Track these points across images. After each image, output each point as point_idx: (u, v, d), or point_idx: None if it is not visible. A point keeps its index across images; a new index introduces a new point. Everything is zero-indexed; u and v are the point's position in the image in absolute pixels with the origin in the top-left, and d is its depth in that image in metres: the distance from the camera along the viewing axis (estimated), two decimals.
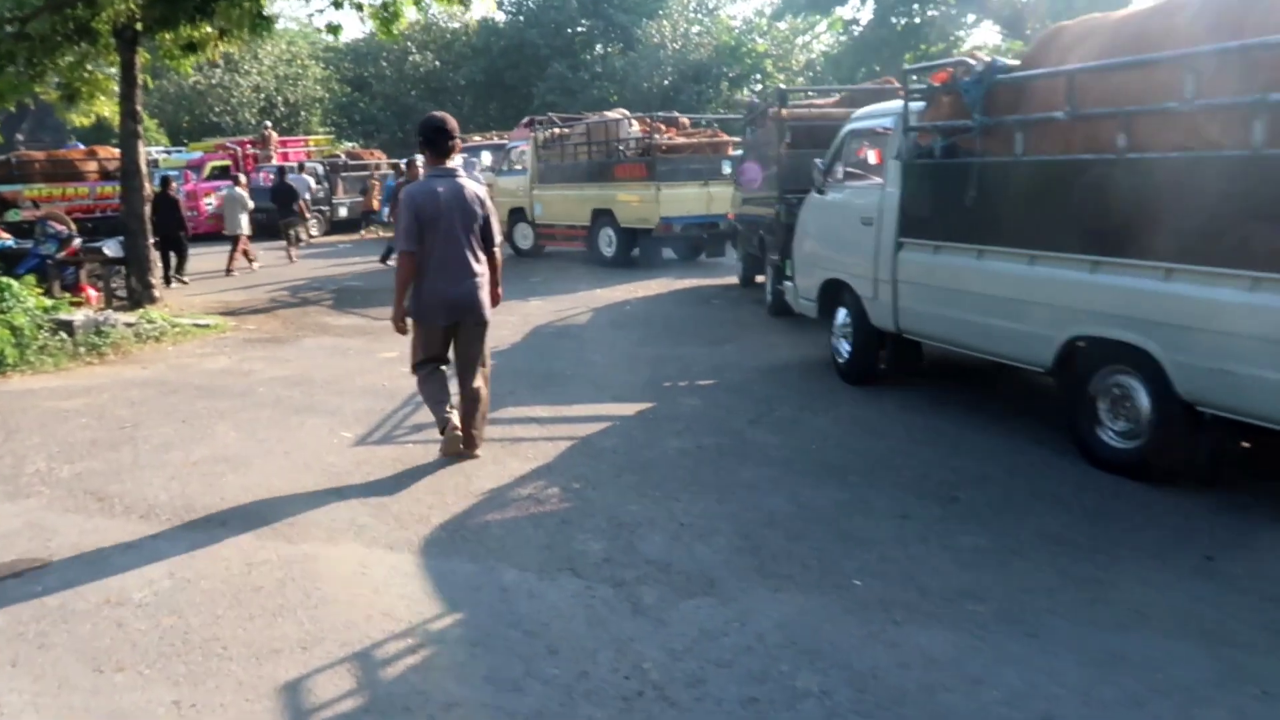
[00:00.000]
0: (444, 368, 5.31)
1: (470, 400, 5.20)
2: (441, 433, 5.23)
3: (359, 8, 11.38)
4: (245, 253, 15.80)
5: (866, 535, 4.03)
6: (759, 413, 6.07)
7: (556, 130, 16.23)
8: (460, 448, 5.18)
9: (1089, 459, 4.81)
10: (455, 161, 5.20)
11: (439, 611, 3.43)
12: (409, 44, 37.75)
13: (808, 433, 5.63)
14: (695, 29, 36.24)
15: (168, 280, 13.34)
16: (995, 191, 5.17)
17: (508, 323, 9.84)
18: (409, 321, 5.14)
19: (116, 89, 11.89)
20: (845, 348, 6.75)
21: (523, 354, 8.27)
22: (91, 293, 11.46)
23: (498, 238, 5.29)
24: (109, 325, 8.93)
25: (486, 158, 20.05)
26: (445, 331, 5.14)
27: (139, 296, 11.29)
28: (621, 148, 14.76)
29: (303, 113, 39.34)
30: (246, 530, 4.26)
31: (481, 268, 5.11)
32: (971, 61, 5.39)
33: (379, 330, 9.53)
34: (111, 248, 11.84)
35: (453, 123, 5.13)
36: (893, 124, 6.18)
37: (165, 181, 14.22)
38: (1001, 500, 4.43)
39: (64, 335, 8.55)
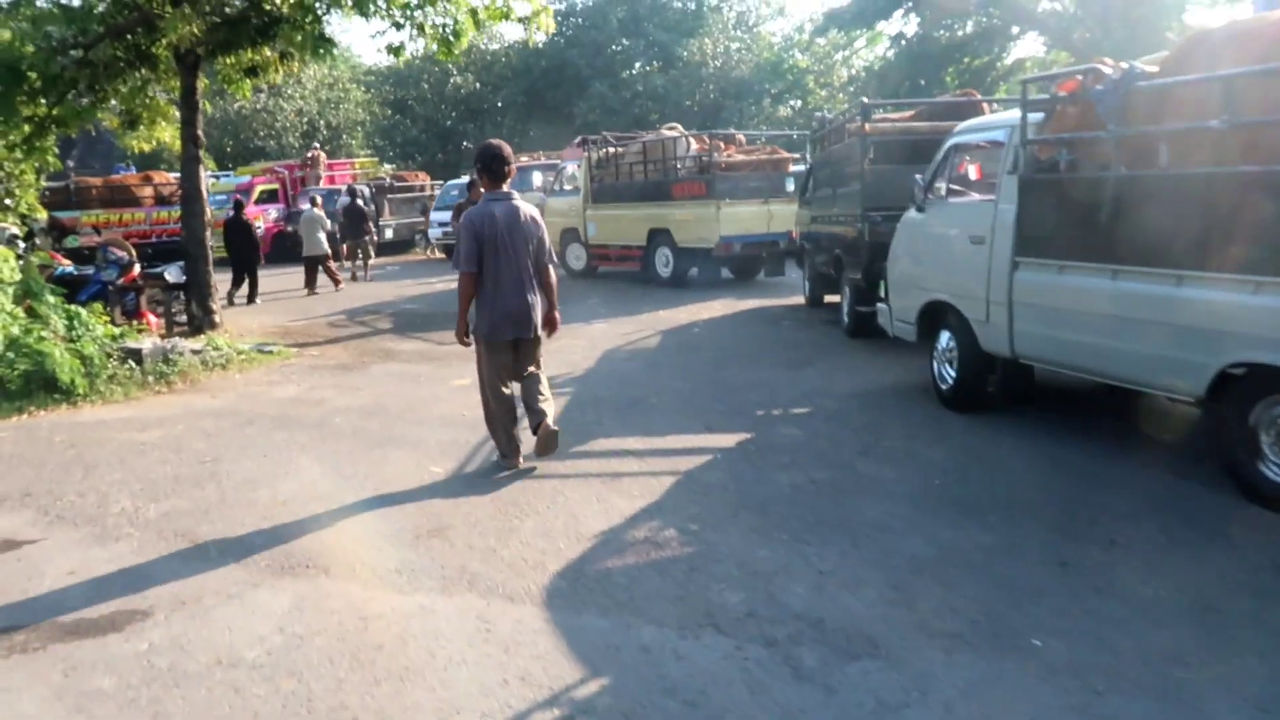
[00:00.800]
0: (510, 392, 5.51)
1: (531, 391, 5.48)
2: (505, 455, 5.48)
3: (420, 29, 11.27)
4: (330, 273, 16.16)
5: (1029, 584, 3.67)
6: (865, 444, 5.73)
7: (611, 149, 16.02)
8: (551, 444, 5.42)
9: (1248, 495, 4.42)
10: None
11: (580, 676, 3.12)
12: (450, 66, 37.90)
13: (924, 466, 5.28)
14: (735, 46, 36.03)
15: (231, 300, 13.82)
16: (1136, 207, 4.80)
17: (576, 347, 9.59)
18: (473, 339, 5.46)
19: (176, 114, 11.87)
20: (950, 373, 6.39)
21: (600, 380, 7.99)
22: (152, 319, 11.36)
23: (552, 258, 5.55)
24: (176, 353, 8.78)
25: (537, 178, 19.91)
26: (510, 347, 5.40)
27: (200, 322, 11.19)
28: (679, 166, 14.52)
29: (344, 135, 39.64)
30: (352, 579, 3.99)
31: (536, 287, 5.40)
32: (1104, 69, 5.05)
33: (446, 355, 9.32)
34: (173, 273, 11.76)
35: (508, 150, 5.44)
36: (1005, 136, 5.85)
37: (239, 205, 14.46)
38: (1165, 542, 4.06)
39: (132, 364, 8.41)
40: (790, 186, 13.34)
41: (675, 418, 6.55)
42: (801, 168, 14.92)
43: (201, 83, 11.79)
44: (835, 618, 3.45)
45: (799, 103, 35.86)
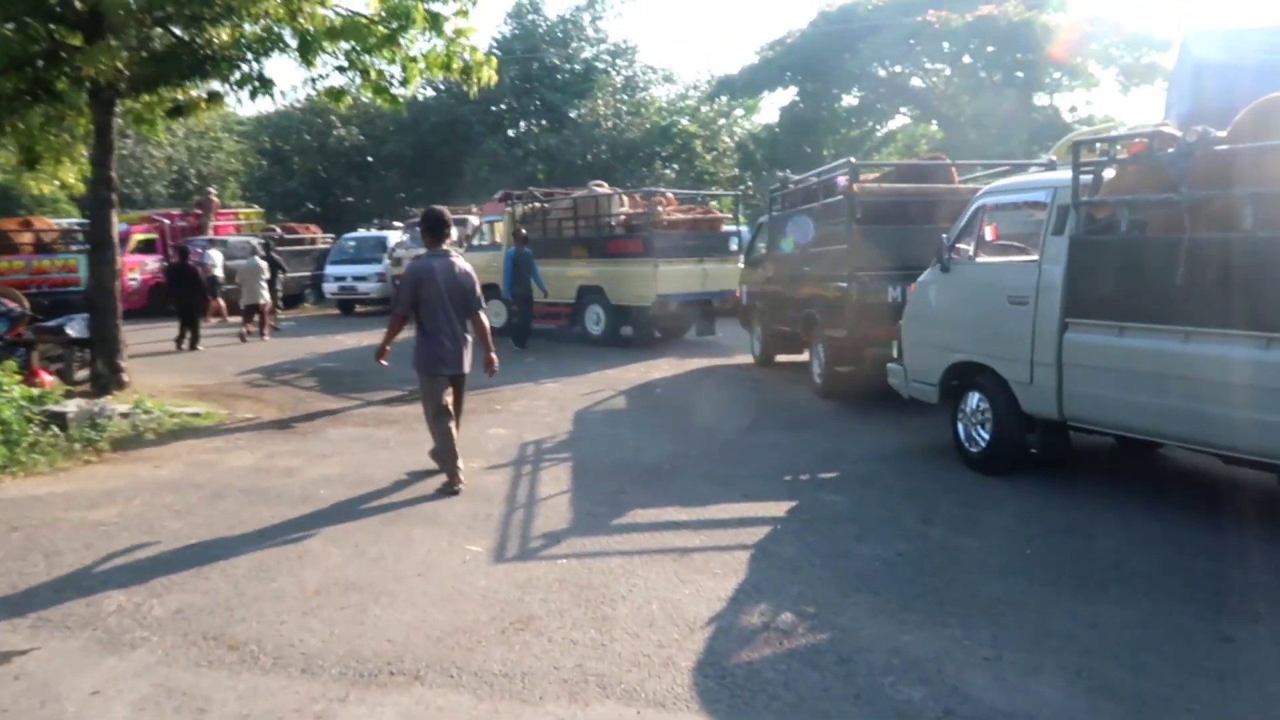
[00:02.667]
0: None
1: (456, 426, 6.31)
2: (451, 478, 6.11)
3: (365, 74, 10.67)
4: (264, 321, 16.36)
5: (1213, 665, 3.44)
6: (923, 511, 5.47)
7: (537, 204, 15.63)
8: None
9: None
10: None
11: None
12: (333, 118, 36.80)
13: (1000, 534, 5.06)
14: (625, 109, 36.45)
15: (179, 346, 14.49)
16: (1216, 269, 4.78)
17: (539, 408, 9.10)
18: (417, 373, 6.36)
19: (83, 153, 10.81)
20: (982, 435, 6.25)
21: (593, 444, 7.49)
22: (46, 377, 10.12)
23: (482, 305, 6.42)
24: (105, 417, 7.77)
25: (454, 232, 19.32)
26: (449, 382, 6.25)
27: (105, 381, 10.04)
28: (612, 223, 14.26)
29: (213, 185, 37.70)
30: (457, 688, 3.39)
31: (467, 331, 6.29)
32: (1174, 132, 5.07)
33: (403, 418, 8.64)
34: (75, 327, 10.55)
35: (449, 215, 6.55)
36: (1048, 197, 5.81)
37: (184, 252, 14.37)
38: None
39: (55, 430, 7.37)
40: (734, 245, 13.27)
41: (705, 485, 6.14)
42: (731, 228, 14.98)
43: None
44: (1040, 711, 3.11)
45: (673, 168, 36.42)
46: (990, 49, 26.24)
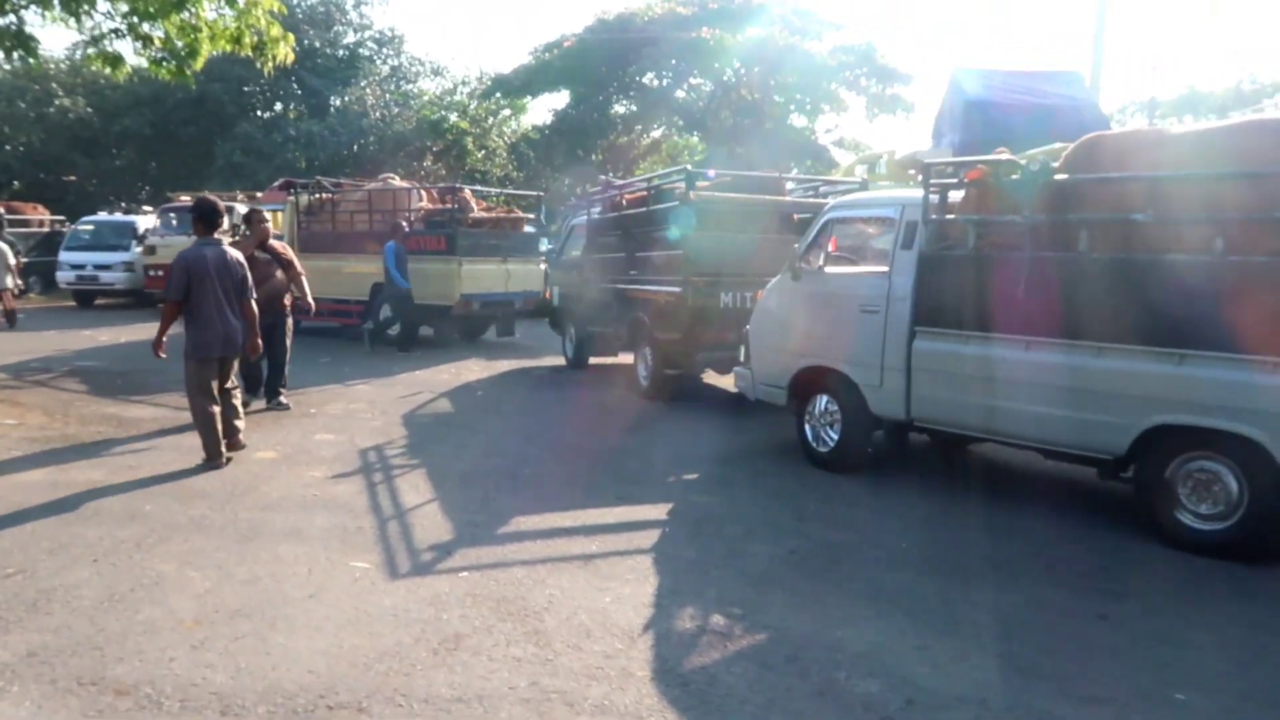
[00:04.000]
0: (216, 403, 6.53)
1: (228, 406, 6.71)
2: (212, 456, 6.46)
3: (145, 41, 9.60)
4: (9, 311, 15.02)
5: (1103, 641, 3.84)
6: (794, 510, 5.69)
7: (325, 195, 14.73)
8: (228, 454, 6.60)
9: (1169, 541, 5.00)
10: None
11: None
12: (54, 85, 32.77)
13: (871, 529, 5.37)
14: (395, 99, 35.20)
15: None
16: (1054, 284, 5.33)
17: (359, 411, 8.62)
18: (184, 357, 6.55)
19: None
20: (831, 436, 6.60)
21: (435, 450, 7.16)
22: None
23: (253, 293, 6.81)
24: None
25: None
26: (215, 363, 6.54)
27: None
28: (411, 218, 13.71)
29: None
30: (411, 716, 3.12)
31: (237, 315, 6.61)
32: (1019, 160, 5.60)
33: None
34: None
35: (221, 205, 7.00)
36: (896, 214, 6.24)
37: None
38: (1171, 589, 4.46)
39: None
40: (544, 246, 13.17)
41: (572, 490, 6.04)
42: (530, 229, 14.86)
43: None
44: (989, 695, 3.34)
45: (452, 162, 35.70)
46: (755, 69, 27.78)
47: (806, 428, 6.82)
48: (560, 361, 12.10)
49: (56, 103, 32.67)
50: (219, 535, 4.98)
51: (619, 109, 33.22)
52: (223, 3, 9.93)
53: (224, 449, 6.52)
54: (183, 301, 6.43)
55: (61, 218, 23.25)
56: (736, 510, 5.68)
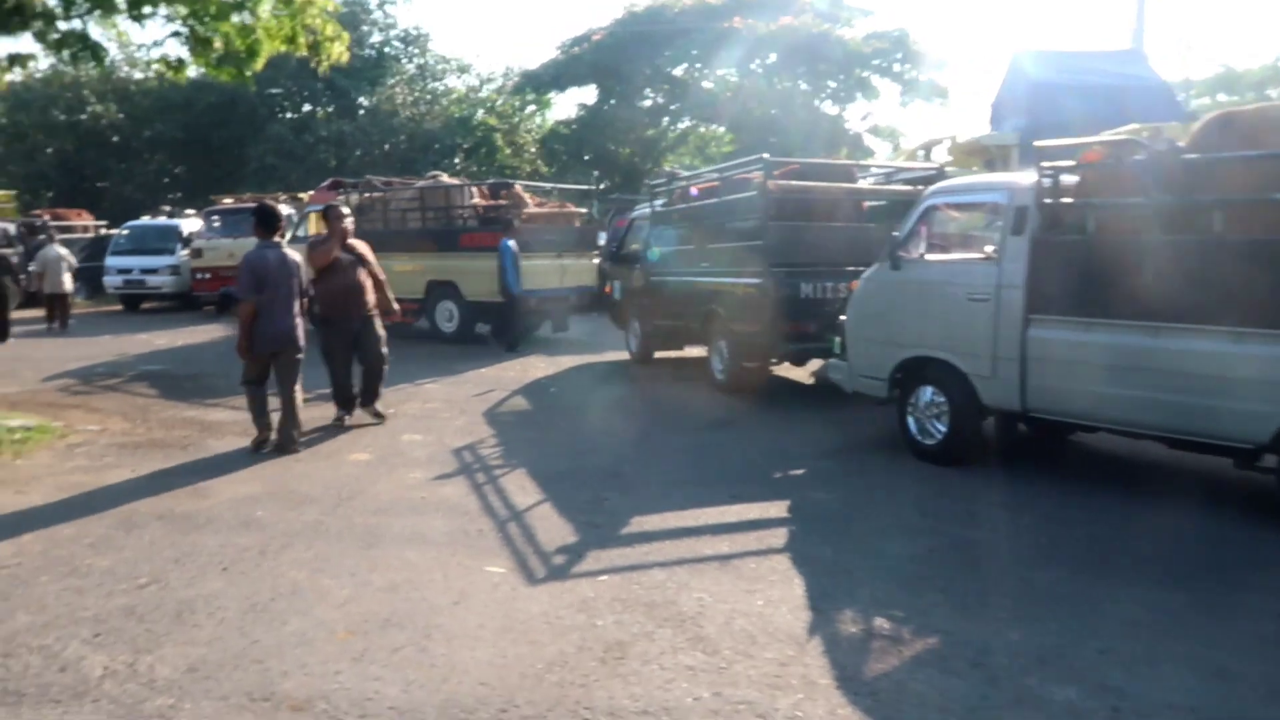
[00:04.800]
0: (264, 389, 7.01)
1: (288, 405, 6.95)
2: (262, 444, 6.92)
3: (205, 44, 9.51)
4: (65, 312, 15.83)
5: None
6: (916, 506, 5.53)
7: (376, 194, 14.65)
8: (275, 445, 6.91)
9: None
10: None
11: None
12: (86, 93, 32.95)
13: (1002, 526, 5.22)
14: (426, 98, 35.19)
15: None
16: (1190, 269, 5.13)
17: (435, 410, 8.53)
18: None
19: None
20: (938, 428, 6.43)
21: (528, 450, 7.03)
22: None
23: (310, 292, 7.43)
24: None
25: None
26: (270, 358, 6.97)
27: None
28: (463, 215, 13.63)
29: None
30: None
31: (297, 312, 7.05)
32: (1143, 140, 5.41)
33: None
34: None
35: (280, 211, 7.38)
36: (1006, 199, 6.06)
37: None
38: None
39: None
40: (602, 240, 13.04)
41: (681, 488, 5.90)
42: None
43: None
44: (1197, 702, 3.18)
45: (482, 159, 35.65)
46: (778, 57, 27.41)
47: (909, 420, 6.65)
48: (623, 356, 11.97)
49: (89, 109, 32.86)
50: (340, 541, 4.89)
51: (646, 102, 33.02)
52: (279, 3, 9.86)
53: (271, 436, 6.93)
54: (256, 301, 6.81)
55: (104, 223, 23.36)
56: (856, 507, 5.54)
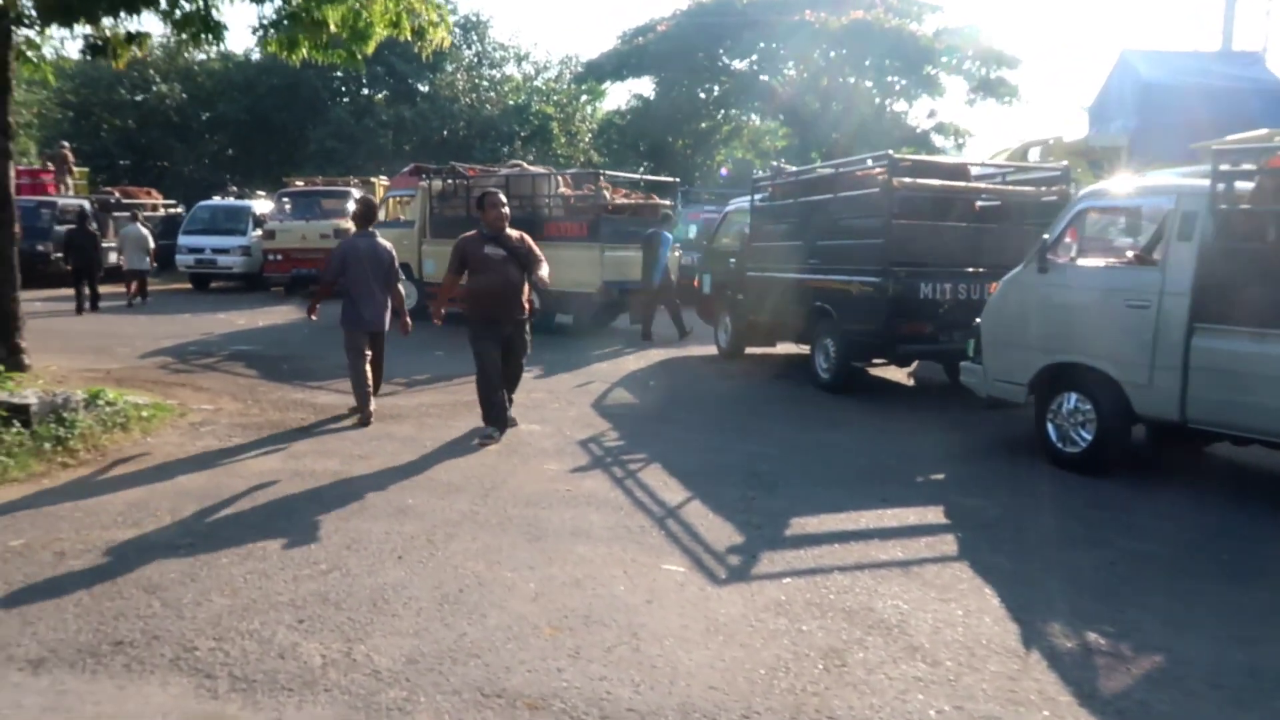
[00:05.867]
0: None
1: (377, 378, 7.73)
2: (362, 410, 7.42)
3: (319, 26, 9.48)
4: (142, 288, 16.54)
5: None
6: (1075, 515, 5.39)
7: (459, 181, 14.64)
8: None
9: None
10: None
11: None
12: (152, 73, 33.33)
13: (1173, 539, 5.05)
14: (484, 84, 35.23)
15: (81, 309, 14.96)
16: None
17: (545, 401, 8.44)
18: (345, 330, 7.54)
19: None
20: (1083, 436, 6.27)
21: (654, 444, 6.92)
22: None
23: (400, 276, 7.83)
24: (70, 410, 6.48)
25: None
26: (367, 337, 7.47)
27: (5, 364, 8.45)
28: (551, 204, 13.58)
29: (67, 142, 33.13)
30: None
31: (385, 297, 7.55)
32: None
33: (410, 412, 7.79)
34: None
35: (375, 203, 8.41)
36: (1171, 203, 5.87)
37: (83, 215, 15.29)
38: None
39: (18, 426, 6.07)
40: (693, 233, 12.93)
41: (826, 489, 5.81)
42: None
43: None
44: None
45: (539, 148, 35.66)
46: (843, 52, 27.03)
47: (1050, 426, 6.50)
48: (709, 350, 11.87)
49: (154, 89, 33.24)
50: (502, 532, 4.84)
51: (704, 94, 32.78)
52: None
53: (371, 409, 7.41)
54: (335, 283, 7.51)
55: (174, 202, 23.62)
56: (1015, 515, 5.40)
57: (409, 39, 10.23)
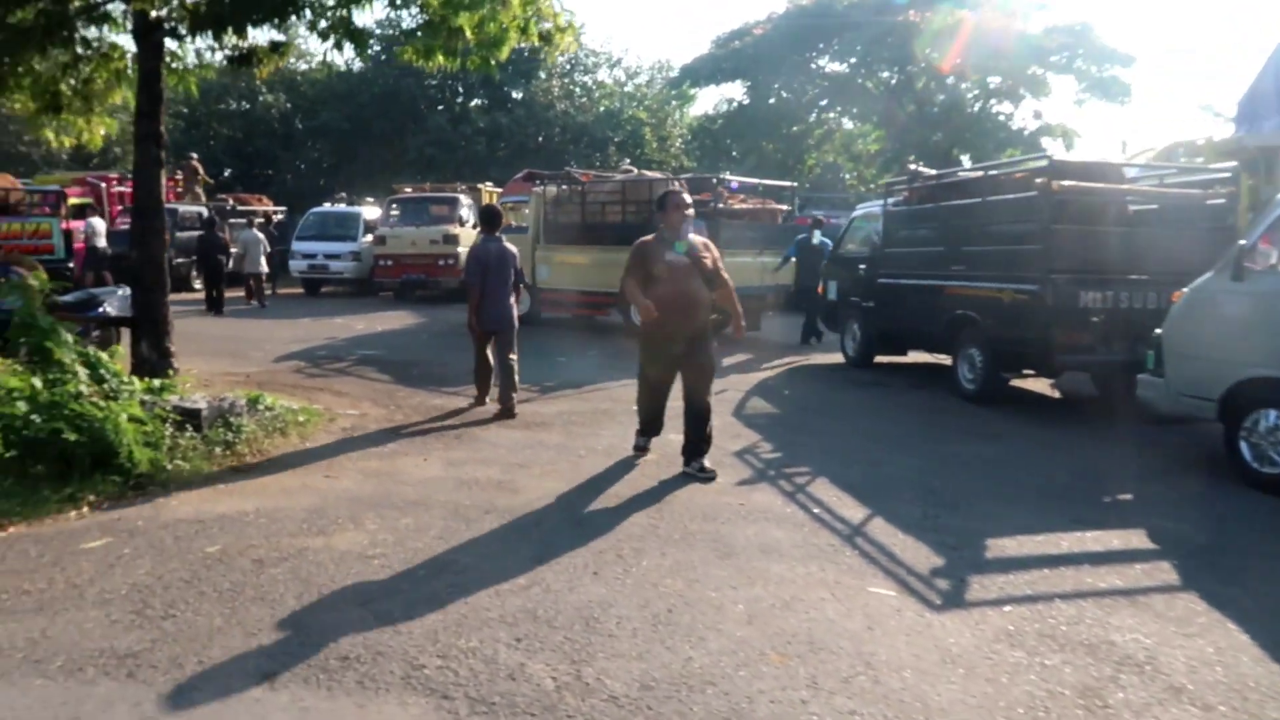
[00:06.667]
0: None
1: (506, 374, 8.02)
2: (479, 398, 8.29)
3: (456, 34, 9.49)
4: (259, 290, 17.43)
5: None
6: None
7: (574, 187, 14.64)
8: (498, 413, 7.88)
9: None
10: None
11: None
12: (259, 83, 34.31)
13: None
14: (578, 91, 35.42)
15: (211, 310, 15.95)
16: None
17: (673, 406, 8.24)
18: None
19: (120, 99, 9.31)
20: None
21: (807, 455, 6.74)
22: None
23: (523, 278, 8.57)
24: (235, 414, 6.56)
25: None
26: (492, 334, 8.09)
27: (154, 367, 8.63)
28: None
29: (117, 149, 34.58)
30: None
31: (512, 297, 8.15)
32: None
33: (552, 419, 7.74)
34: (115, 304, 9.08)
35: (500, 210, 9.30)
36: None
37: (212, 221, 15.98)
38: None
39: (190, 430, 6.16)
40: (816, 239, 12.68)
41: (1012, 508, 5.51)
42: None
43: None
44: None
45: (632, 153, 35.67)
46: (950, 54, 26.36)
47: (1243, 445, 6.09)
48: (834, 358, 11.59)
49: (261, 98, 34.23)
50: (689, 548, 4.69)
51: (793, 95, 32.33)
52: None
53: (487, 399, 8.20)
54: (479, 287, 7.93)
55: (284, 208, 24.22)
56: (1226, 541, 5.05)
57: (537, 44, 10.21)
